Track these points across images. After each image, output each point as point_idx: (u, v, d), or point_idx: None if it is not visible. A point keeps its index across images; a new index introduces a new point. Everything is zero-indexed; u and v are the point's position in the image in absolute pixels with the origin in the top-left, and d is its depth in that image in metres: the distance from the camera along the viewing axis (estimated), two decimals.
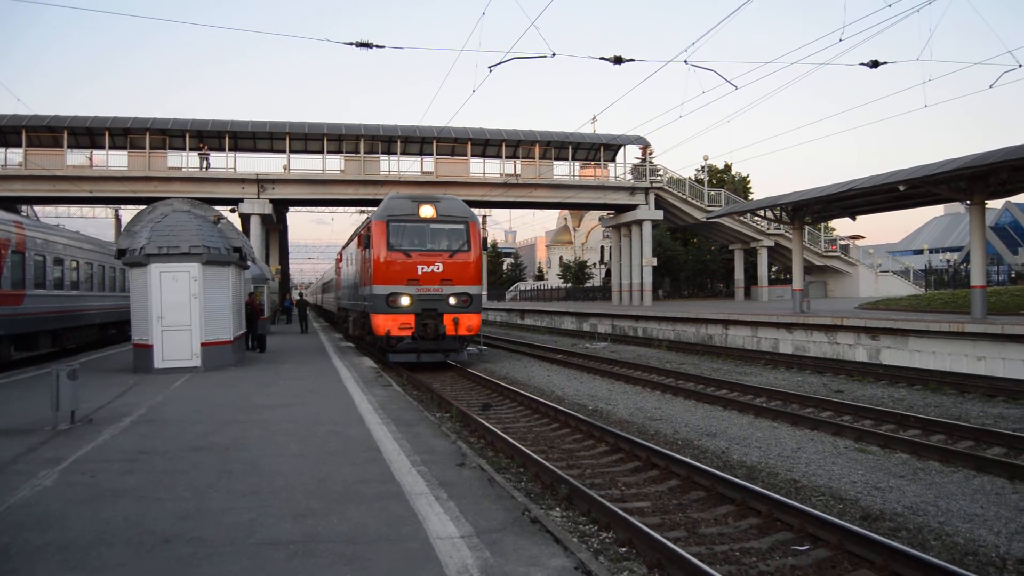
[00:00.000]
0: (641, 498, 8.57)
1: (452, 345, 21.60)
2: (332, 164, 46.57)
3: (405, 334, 20.67)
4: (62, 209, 58.02)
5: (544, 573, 5.26)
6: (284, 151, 46.32)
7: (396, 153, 46.63)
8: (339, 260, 38.14)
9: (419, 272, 20.72)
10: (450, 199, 22.73)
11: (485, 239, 27.43)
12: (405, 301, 20.58)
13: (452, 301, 21.02)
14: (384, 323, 20.57)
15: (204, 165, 44.76)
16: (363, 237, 22.81)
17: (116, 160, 44.44)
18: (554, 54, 18.88)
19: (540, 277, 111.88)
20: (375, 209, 22.25)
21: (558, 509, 7.89)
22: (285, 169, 46.09)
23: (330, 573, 5.24)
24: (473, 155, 48.00)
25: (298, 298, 49.61)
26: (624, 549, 6.65)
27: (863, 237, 57.43)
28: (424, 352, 21.27)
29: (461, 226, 21.72)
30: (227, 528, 6.20)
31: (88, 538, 5.97)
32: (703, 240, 68.85)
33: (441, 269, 20.92)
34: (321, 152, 46.45)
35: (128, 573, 5.28)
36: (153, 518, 6.48)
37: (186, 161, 44.88)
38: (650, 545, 6.43)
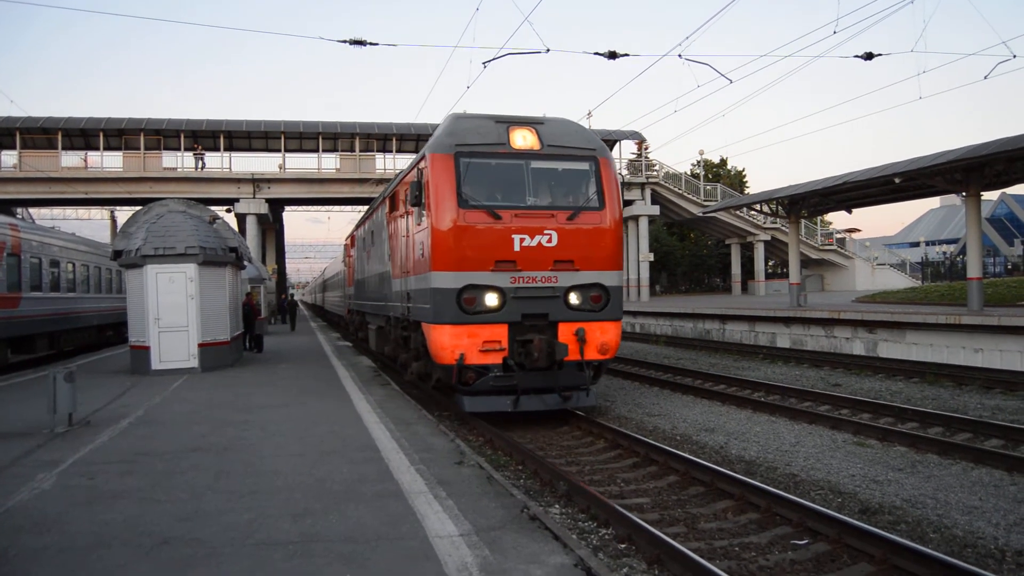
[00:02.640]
0: (640, 494, 8.57)
1: (574, 378, 12.07)
2: (327, 163, 46.68)
3: (490, 360, 11.64)
4: (58, 211, 57.92)
5: (544, 570, 5.26)
6: (279, 150, 46.34)
7: (392, 151, 46.63)
8: (349, 247, 28.91)
9: (516, 248, 11.68)
10: (560, 120, 13.22)
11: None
12: (491, 300, 11.59)
13: (574, 299, 11.99)
14: (452, 342, 11.48)
15: (199, 165, 44.72)
16: (408, 189, 12.85)
17: (111, 161, 44.51)
18: (548, 49, 18.71)
19: None
20: (432, 137, 12.60)
21: (557, 506, 7.89)
22: (280, 168, 46.09)
23: (329, 573, 5.23)
24: None
25: (289, 298, 49.43)
26: (624, 545, 6.64)
27: (859, 230, 57.46)
28: (527, 393, 11.95)
29: (585, 165, 12.50)
30: (226, 529, 6.19)
31: (86, 540, 5.96)
32: (700, 235, 68.97)
33: (554, 242, 11.84)
34: (316, 151, 46.45)
35: (127, 575, 5.27)
36: (151, 520, 6.47)
37: (181, 161, 44.91)
38: (649, 541, 6.43)
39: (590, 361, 12.09)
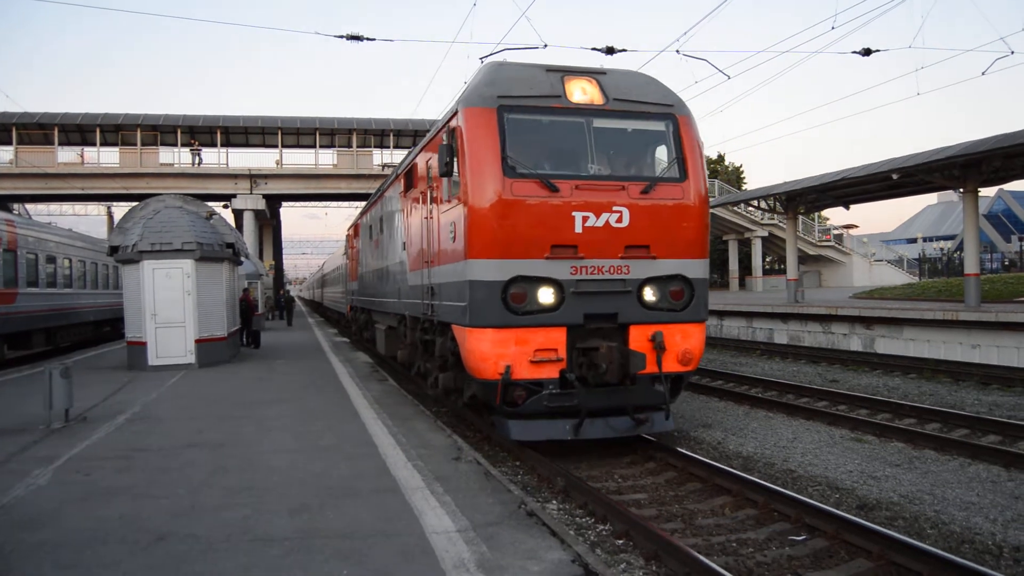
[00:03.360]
0: (638, 490, 8.57)
1: (649, 396, 9.69)
2: (325, 158, 46.62)
3: (544, 374, 9.21)
4: (54, 207, 57.79)
5: (541, 566, 5.25)
6: (276, 146, 46.29)
7: (389, 147, 46.55)
8: (352, 237, 25.95)
9: (578, 229, 9.26)
10: (625, 71, 10.75)
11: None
12: (546, 297, 9.22)
13: (650, 296, 9.69)
14: (496, 350, 9.06)
15: (196, 161, 44.64)
16: (430, 160, 10.90)
17: (107, 157, 44.45)
18: (546, 45, 18.64)
19: None
20: (466, 89, 10.11)
21: (555, 502, 7.88)
22: (278, 164, 46.06)
23: (326, 569, 5.22)
24: None
25: (285, 293, 49.38)
26: (621, 541, 6.64)
27: (857, 226, 57.54)
28: (592, 415, 9.51)
29: (660, 124, 10.15)
30: (222, 525, 6.18)
31: (82, 537, 5.94)
32: None
33: (626, 222, 9.43)
34: (313, 147, 46.38)
35: (123, 571, 5.25)
36: (148, 516, 6.46)
37: (178, 157, 44.86)
38: (647, 537, 6.42)
39: (669, 374, 9.59)
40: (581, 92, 9.80)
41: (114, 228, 19.51)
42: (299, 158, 47.63)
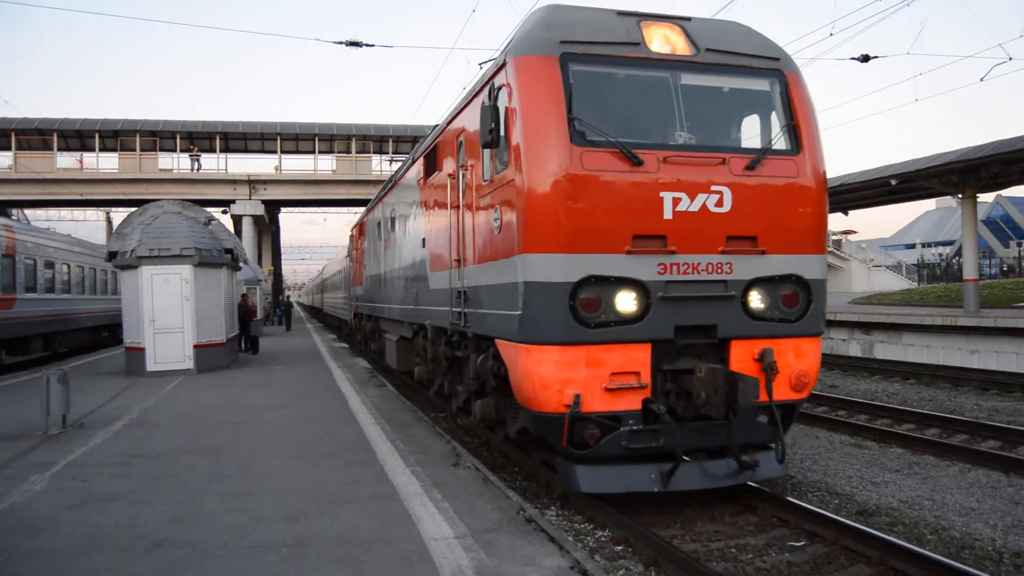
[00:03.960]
0: (640, 496, 8.52)
1: (755, 431, 7.72)
2: (324, 164, 46.61)
3: (623, 405, 7.18)
4: (52, 212, 57.87)
5: (540, 573, 5.23)
6: (275, 151, 46.28)
7: (388, 152, 46.55)
8: (356, 238, 23.87)
9: (667, 214, 7.30)
10: (714, 19, 9.12)
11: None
12: (627, 304, 7.22)
13: (758, 302, 7.73)
14: (561, 374, 7.04)
15: (195, 167, 44.66)
16: (483, 118, 7.70)
17: (106, 162, 44.42)
18: None
19: None
20: (515, 35, 8.02)
21: (553, 508, 7.85)
22: (276, 170, 46.04)
23: (323, 575, 5.20)
24: None
25: (284, 299, 49.48)
26: (620, 548, 6.61)
27: (855, 232, 57.67)
28: (686, 457, 7.31)
29: (764, 82, 8.22)
30: (219, 531, 6.15)
31: (79, 543, 5.91)
32: None
33: (727, 206, 7.48)
34: (313, 152, 46.37)
35: None
36: (145, 522, 6.43)
37: (177, 163, 44.85)
38: (646, 543, 6.40)
39: (781, 403, 7.48)
40: (664, 41, 7.76)
41: (112, 233, 19.52)
42: (298, 164, 47.66)
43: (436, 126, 11.89)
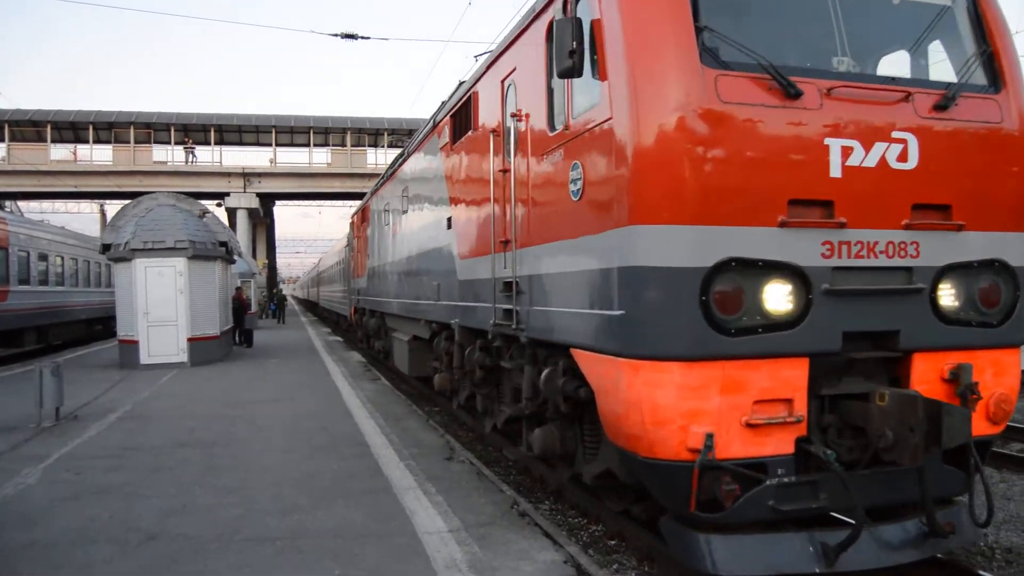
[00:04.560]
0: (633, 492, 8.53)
1: (942, 483, 5.40)
2: (319, 157, 46.58)
3: (768, 448, 4.96)
4: (46, 204, 57.60)
5: (533, 567, 5.24)
6: (270, 144, 46.17)
7: (383, 146, 46.49)
8: (358, 224, 21.64)
9: (835, 171, 5.05)
10: None
11: None
12: (780, 299, 4.98)
13: (949, 298, 5.44)
14: (685, 402, 4.84)
15: (189, 159, 44.54)
16: (557, 36, 5.43)
17: (101, 154, 44.28)
18: None
19: None
20: None
21: (547, 502, 7.87)
22: (271, 163, 45.98)
23: (317, 569, 5.20)
24: None
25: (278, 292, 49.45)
26: (614, 542, 6.62)
27: None
28: (867, 522, 5.00)
29: None
30: (213, 524, 6.15)
31: (72, 536, 5.91)
32: None
33: (912, 160, 5.20)
34: (308, 145, 46.29)
35: (113, 571, 5.23)
36: (138, 515, 6.43)
37: (171, 155, 44.74)
38: (640, 537, 6.41)
39: (979, 439, 5.42)
40: None
41: (107, 226, 19.46)
42: (293, 157, 47.62)
43: (461, 84, 10.20)
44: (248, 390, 14.10)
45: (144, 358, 17.35)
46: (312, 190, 47.09)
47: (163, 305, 17.43)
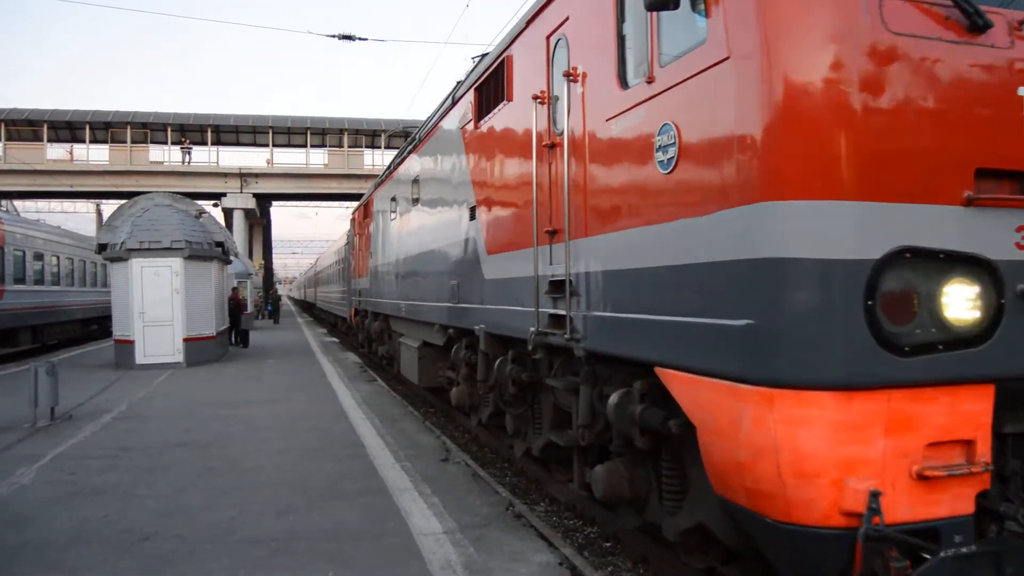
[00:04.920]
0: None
1: None
2: (316, 158, 46.59)
3: (944, 508, 3.64)
4: (42, 204, 57.53)
5: (528, 568, 5.23)
6: (267, 145, 46.18)
7: (380, 147, 46.49)
8: (360, 221, 20.22)
9: None
10: None
11: None
12: (963, 305, 3.66)
13: None
14: (840, 448, 3.54)
15: (186, 159, 44.51)
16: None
17: (97, 154, 44.25)
18: None
19: None
20: None
21: (543, 504, 7.86)
22: (268, 163, 45.94)
23: (312, 570, 5.19)
24: None
25: (274, 293, 49.56)
26: (609, 544, 6.62)
27: None
28: None
29: None
30: (208, 525, 6.13)
31: (66, 536, 5.89)
32: None
33: None
34: (304, 146, 46.28)
35: (107, 571, 5.21)
36: (133, 516, 6.41)
37: (168, 155, 44.72)
38: (635, 539, 6.41)
39: None
40: None
41: (103, 226, 19.42)
42: (290, 157, 47.60)
43: (483, 56, 9.12)
44: (244, 391, 14.08)
45: (140, 358, 17.32)
46: (309, 191, 47.07)
47: (159, 305, 17.41)
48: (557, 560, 5.39)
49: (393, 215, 14.25)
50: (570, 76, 5.82)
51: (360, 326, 20.94)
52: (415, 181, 12.10)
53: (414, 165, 12.29)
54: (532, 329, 6.49)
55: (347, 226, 26.34)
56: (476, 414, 9.75)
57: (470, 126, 8.70)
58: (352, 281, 22.23)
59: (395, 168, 14.30)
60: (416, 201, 12.02)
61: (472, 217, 8.56)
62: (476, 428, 10.62)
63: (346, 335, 29.29)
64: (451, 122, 9.67)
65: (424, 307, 11.35)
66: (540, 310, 6.38)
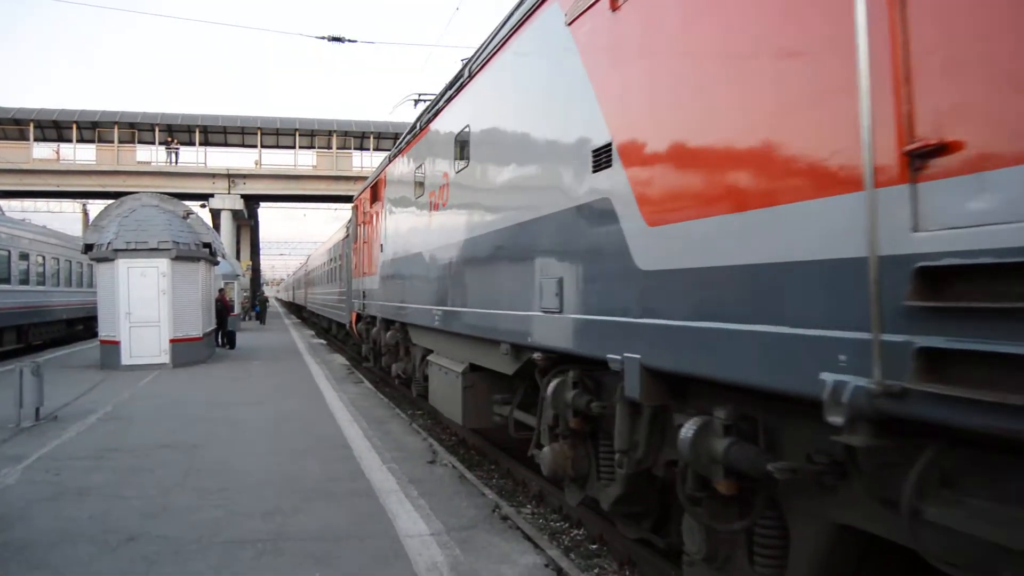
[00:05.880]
0: None
1: None
2: (304, 159, 46.44)
3: None
4: (28, 203, 57.05)
5: (515, 570, 5.25)
6: (255, 146, 46.04)
7: (369, 149, 46.43)
8: (365, 206, 16.75)
9: None
10: None
11: None
12: None
13: None
14: None
15: (171, 158, 44.33)
16: None
17: (84, 154, 43.95)
18: None
19: None
20: None
21: (529, 506, 7.89)
22: (256, 164, 45.79)
23: (299, 572, 5.19)
24: None
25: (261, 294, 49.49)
26: (595, 546, 6.65)
27: None
28: None
29: None
30: (194, 526, 6.12)
31: (51, 537, 5.86)
32: None
33: None
34: (293, 147, 46.17)
35: (92, 572, 5.19)
36: (118, 516, 6.38)
37: (155, 155, 44.53)
38: (621, 541, 6.44)
39: None
40: None
41: (89, 226, 19.32)
42: (278, 159, 47.46)
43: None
44: (230, 392, 14.03)
45: (126, 359, 17.24)
46: (297, 192, 46.94)
47: (145, 306, 17.34)
48: (543, 562, 5.41)
49: (422, 191, 10.75)
50: None
51: (363, 335, 17.34)
52: (462, 135, 8.59)
53: (462, 109, 8.74)
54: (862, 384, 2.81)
55: (337, 229, 25.20)
56: (582, 490, 6.35)
57: (594, 15, 5.24)
58: (353, 281, 18.90)
59: (426, 126, 10.73)
60: (465, 161, 8.43)
61: (602, 164, 5.06)
62: (532, 478, 8.44)
63: (341, 340, 27.78)
64: (544, 24, 6.30)
65: (479, 316, 7.90)
66: (880, 337, 2.75)
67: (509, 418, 7.96)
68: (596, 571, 6.05)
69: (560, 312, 5.75)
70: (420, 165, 10.98)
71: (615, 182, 4.90)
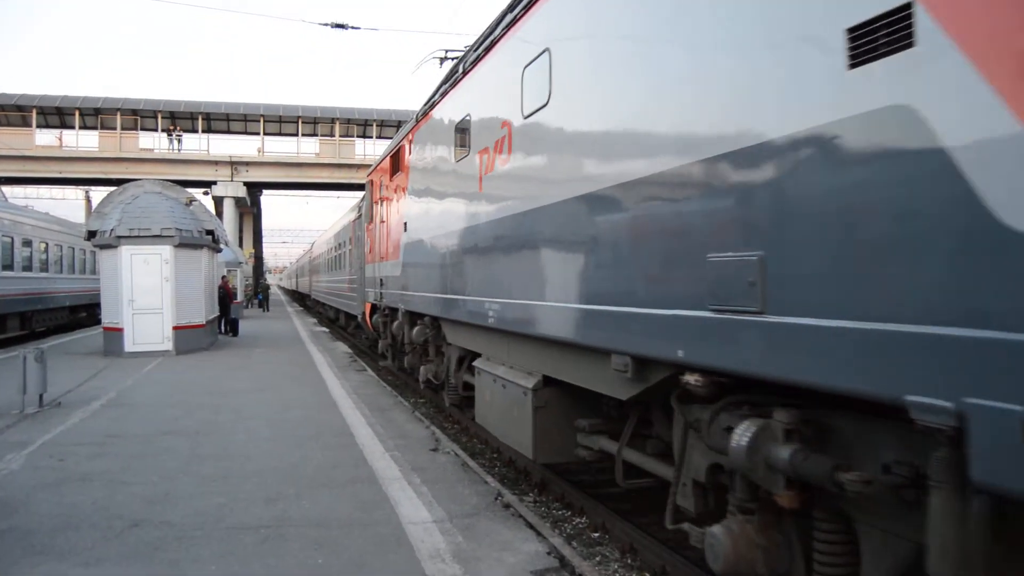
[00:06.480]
0: (614, 483, 8.58)
1: None
2: (307, 147, 46.37)
3: None
4: (31, 190, 57.07)
5: (517, 558, 5.26)
6: (258, 133, 45.96)
7: (372, 136, 46.33)
8: (380, 183, 14.49)
9: None
10: None
11: None
12: None
13: None
14: None
15: (174, 145, 44.29)
16: None
17: (87, 140, 43.91)
18: None
19: None
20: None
21: (531, 494, 7.90)
22: (259, 152, 45.71)
23: (301, 557, 5.21)
24: None
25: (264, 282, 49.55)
26: (597, 534, 6.66)
27: None
28: None
29: None
30: (197, 512, 6.14)
31: (54, 523, 5.88)
32: None
33: None
34: (296, 135, 46.09)
35: (95, 558, 5.21)
36: (121, 502, 6.40)
37: (158, 142, 44.53)
38: (623, 529, 6.45)
39: None
40: None
41: (92, 212, 19.33)
42: (281, 146, 47.40)
43: None
44: (233, 379, 14.05)
45: (129, 346, 17.27)
46: (300, 180, 46.90)
47: (148, 293, 17.36)
48: (546, 550, 5.42)
49: (466, 151, 8.38)
50: None
51: (384, 329, 14.80)
52: (537, 63, 6.24)
53: (540, 25, 6.33)
54: None
55: (347, 210, 22.85)
56: None
57: None
58: (367, 267, 16.36)
59: (474, 64, 8.31)
60: (543, 98, 6.09)
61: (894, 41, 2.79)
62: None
63: (347, 331, 26.31)
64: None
65: (570, 314, 5.61)
66: None
67: (617, 458, 5.95)
68: (598, 559, 6.06)
69: (760, 313, 3.51)
70: (464, 117, 8.53)
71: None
